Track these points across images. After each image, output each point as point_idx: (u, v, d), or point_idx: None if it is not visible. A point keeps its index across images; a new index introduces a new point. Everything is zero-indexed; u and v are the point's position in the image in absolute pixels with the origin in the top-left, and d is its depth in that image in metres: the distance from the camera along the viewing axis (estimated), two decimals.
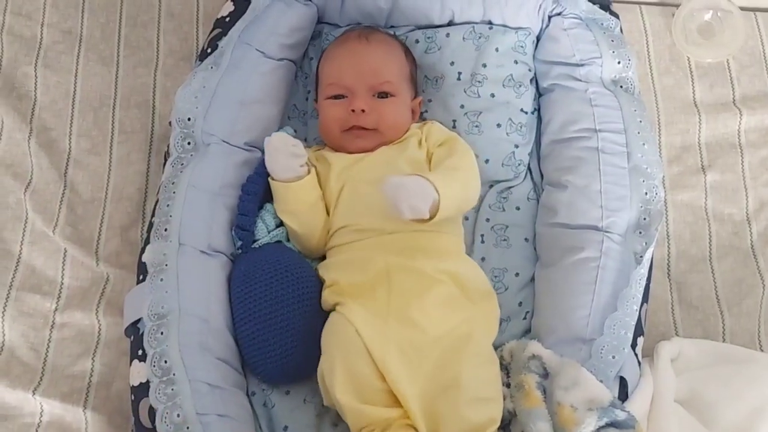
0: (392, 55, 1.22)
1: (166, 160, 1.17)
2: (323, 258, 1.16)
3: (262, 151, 1.21)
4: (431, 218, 1.02)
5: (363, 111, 1.15)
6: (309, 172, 1.14)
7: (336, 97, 1.18)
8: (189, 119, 1.15)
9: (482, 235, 1.21)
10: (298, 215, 1.13)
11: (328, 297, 1.08)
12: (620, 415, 0.94)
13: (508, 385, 1.03)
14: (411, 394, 0.97)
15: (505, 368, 1.06)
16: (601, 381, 0.97)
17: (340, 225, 1.12)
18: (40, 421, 1.10)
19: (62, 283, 1.20)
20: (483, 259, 1.19)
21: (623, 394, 1.02)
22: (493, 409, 0.98)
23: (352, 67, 1.17)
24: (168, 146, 1.17)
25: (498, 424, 0.97)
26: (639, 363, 1.06)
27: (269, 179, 1.13)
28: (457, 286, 1.06)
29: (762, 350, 1.18)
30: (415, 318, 1.01)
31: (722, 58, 1.40)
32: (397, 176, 1.02)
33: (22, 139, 1.29)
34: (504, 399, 1.01)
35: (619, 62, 1.24)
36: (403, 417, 0.97)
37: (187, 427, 0.93)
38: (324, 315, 1.08)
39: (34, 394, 1.11)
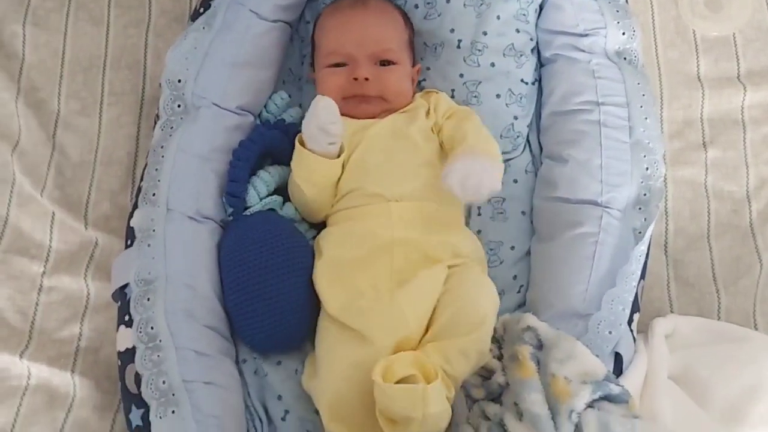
0: (392, 21, 1.19)
1: (156, 123, 1.15)
2: (320, 226, 1.14)
3: (255, 116, 1.19)
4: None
5: (366, 79, 1.12)
6: (339, 155, 1.09)
7: (336, 65, 1.14)
8: (179, 81, 1.12)
9: (479, 208, 1.19)
10: (317, 187, 1.09)
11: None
12: (614, 389, 0.93)
13: (500, 358, 1.02)
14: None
15: (497, 341, 1.05)
16: (597, 356, 0.96)
17: (348, 189, 1.10)
18: (28, 384, 1.09)
19: (50, 247, 1.18)
20: (479, 231, 1.18)
21: (618, 370, 1.01)
22: (487, 309, 1.00)
23: (352, 35, 1.14)
24: (158, 109, 1.15)
25: (486, 324, 0.99)
26: (634, 339, 1.05)
27: (298, 141, 1.09)
28: (456, 260, 1.05)
29: (757, 329, 1.17)
30: (410, 275, 1.01)
31: (729, 31, 1.37)
32: (458, 164, 1.01)
33: (9, 99, 1.26)
34: (495, 372, 1.00)
35: (623, 33, 1.21)
36: None
37: (173, 394, 0.92)
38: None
39: (21, 357, 1.09)
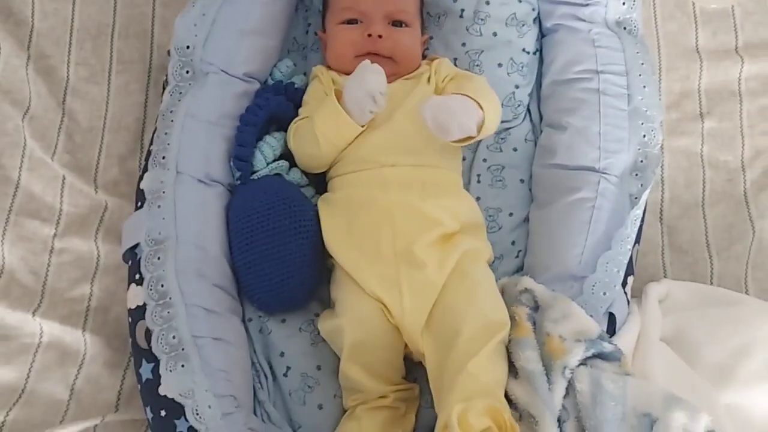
0: None
1: (164, 89, 1.17)
2: (320, 187, 1.16)
3: (261, 83, 1.21)
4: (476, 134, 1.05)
5: (380, 37, 1.14)
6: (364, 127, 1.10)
7: (349, 22, 1.16)
8: (188, 47, 1.14)
9: (479, 175, 1.22)
10: (332, 144, 1.10)
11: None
12: (607, 348, 0.96)
13: None
14: (419, 325, 1.00)
15: None
16: (591, 316, 0.99)
17: (346, 153, 1.11)
18: (40, 341, 1.12)
19: (61, 210, 1.21)
20: (478, 198, 1.20)
21: (611, 330, 1.04)
22: (504, 313, 1.00)
23: None
24: (166, 75, 1.17)
25: (508, 326, 0.99)
26: (628, 302, 1.08)
27: (333, 96, 1.08)
28: (456, 223, 1.07)
29: (748, 294, 1.20)
30: (420, 257, 1.02)
31: (728, 3, 1.38)
32: (437, 97, 1.04)
33: (19, 65, 1.28)
34: None
35: (624, 3, 1.22)
36: (397, 392, 1.02)
37: (183, 349, 0.95)
38: (320, 247, 1.09)
39: (33, 315, 1.13)
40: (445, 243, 1.06)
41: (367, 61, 1.07)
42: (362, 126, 1.09)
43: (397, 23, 1.17)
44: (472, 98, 1.05)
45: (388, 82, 1.13)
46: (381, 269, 1.03)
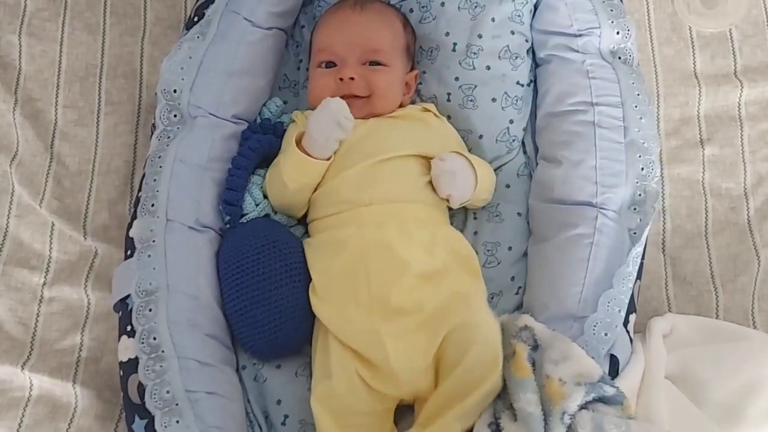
0: (387, 24, 1.19)
1: (153, 132, 1.15)
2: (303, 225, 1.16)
3: (249, 123, 1.19)
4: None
5: (352, 79, 1.13)
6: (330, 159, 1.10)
7: (327, 65, 1.16)
8: (175, 91, 1.13)
9: (474, 212, 1.20)
10: (300, 184, 1.10)
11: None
12: (609, 391, 0.94)
13: None
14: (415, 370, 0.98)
15: None
16: (593, 357, 0.97)
17: (323, 195, 1.10)
18: (30, 395, 1.10)
19: (50, 257, 1.19)
20: (475, 233, 1.18)
21: (613, 372, 1.02)
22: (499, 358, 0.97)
23: (343, 35, 1.15)
24: (154, 118, 1.15)
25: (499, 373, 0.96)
26: (630, 341, 1.05)
27: (293, 138, 1.09)
28: (435, 260, 1.05)
29: (755, 327, 1.17)
30: (398, 305, 1.00)
31: (725, 27, 1.36)
32: (450, 162, 1.09)
33: (6, 110, 1.26)
34: None
35: (618, 33, 1.20)
36: None
37: (176, 404, 0.93)
38: None
39: (23, 368, 1.10)
40: (427, 282, 1.02)
41: (327, 98, 1.09)
42: (327, 158, 1.08)
43: (374, 63, 1.15)
44: (474, 169, 1.12)
45: (365, 118, 1.12)
46: (360, 325, 1.00)
